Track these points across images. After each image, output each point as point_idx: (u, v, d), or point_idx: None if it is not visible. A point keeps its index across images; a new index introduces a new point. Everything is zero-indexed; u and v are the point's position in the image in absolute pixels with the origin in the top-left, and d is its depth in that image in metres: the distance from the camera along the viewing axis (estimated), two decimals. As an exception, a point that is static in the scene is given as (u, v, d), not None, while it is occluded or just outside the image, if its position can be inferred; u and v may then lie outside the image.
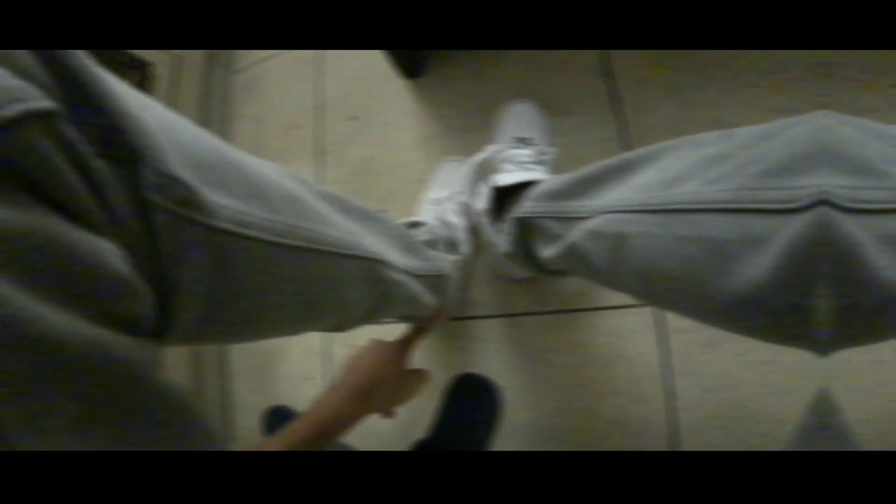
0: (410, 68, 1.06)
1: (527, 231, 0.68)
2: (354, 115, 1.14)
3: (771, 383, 0.80)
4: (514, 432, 0.90)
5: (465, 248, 0.87)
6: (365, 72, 1.14)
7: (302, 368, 1.09)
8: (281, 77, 1.25)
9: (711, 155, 0.42)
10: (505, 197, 0.78)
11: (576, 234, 0.54)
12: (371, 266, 0.51)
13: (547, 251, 0.62)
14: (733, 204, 0.37)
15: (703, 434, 0.83)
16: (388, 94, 1.11)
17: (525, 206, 0.66)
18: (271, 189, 0.39)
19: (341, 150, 1.14)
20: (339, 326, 0.53)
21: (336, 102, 1.17)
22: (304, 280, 0.42)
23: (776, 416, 0.79)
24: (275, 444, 0.57)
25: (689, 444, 0.84)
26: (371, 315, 0.56)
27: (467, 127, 1.03)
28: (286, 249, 0.39)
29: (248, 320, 0.39)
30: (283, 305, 0.41)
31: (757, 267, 0.36)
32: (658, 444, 0.85)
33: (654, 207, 0.43)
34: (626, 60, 0.97)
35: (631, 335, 0.88)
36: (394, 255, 0.57)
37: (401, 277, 0.57)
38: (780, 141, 0.38)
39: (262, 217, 0.37)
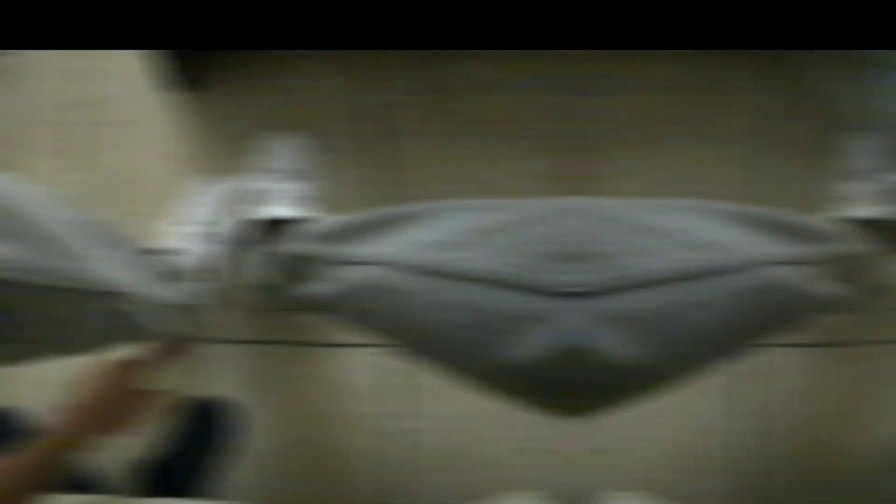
0: (181, 82, 1.00)
1: (291, 268, 0.66)
2: (112, 120, 1.05)
3: (488, 430, 0.87)
4: (249, 460, 0.87)
5: (210, 274, 0.84)
6: (132, 78, 1.05)
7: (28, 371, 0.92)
8: (36, 69, 1.10)
9: (490, 225, 0.43)
10: (266, 229, 0.76)
11: (346, 279, 0.54)
12: (114, 300, 0.52)
13: (309, 289, 0.62)
14: (516, 279, 0.39)
15: (441, 474, 0.88)
16: (153, 105, 1.04)
17: (296, 244, 0.65)
18: (29, 227, 0.41)
19: (92, 155, 1.04)
20: (84, 353, 0.54)
21: (95, 105, 1.06)
22: (49, 317, 0.44)
23: (492, 463, 0.87)
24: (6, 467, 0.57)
25: (428, 480, 0.88)
26: (113, 342, 0.58)
27: (230, 150, 0.99)
28: (39, 289, 0.40)
29: None
30: (27, 341, 0.44)
31: (534, 341, 0.38)
32: (396, 479, 0.89)
33: (434, 269, 0.44)
34: (405, 109, 1.00)
35: (369, 371, 0.92)
36: (139, 286, 0.57)
37: (143, 308, 0.57)
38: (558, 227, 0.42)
39: (24, 258, 0.39)
